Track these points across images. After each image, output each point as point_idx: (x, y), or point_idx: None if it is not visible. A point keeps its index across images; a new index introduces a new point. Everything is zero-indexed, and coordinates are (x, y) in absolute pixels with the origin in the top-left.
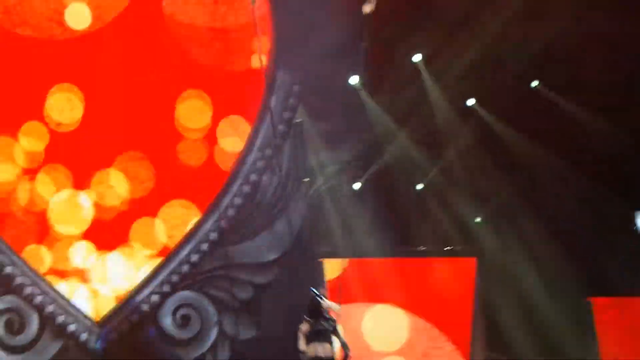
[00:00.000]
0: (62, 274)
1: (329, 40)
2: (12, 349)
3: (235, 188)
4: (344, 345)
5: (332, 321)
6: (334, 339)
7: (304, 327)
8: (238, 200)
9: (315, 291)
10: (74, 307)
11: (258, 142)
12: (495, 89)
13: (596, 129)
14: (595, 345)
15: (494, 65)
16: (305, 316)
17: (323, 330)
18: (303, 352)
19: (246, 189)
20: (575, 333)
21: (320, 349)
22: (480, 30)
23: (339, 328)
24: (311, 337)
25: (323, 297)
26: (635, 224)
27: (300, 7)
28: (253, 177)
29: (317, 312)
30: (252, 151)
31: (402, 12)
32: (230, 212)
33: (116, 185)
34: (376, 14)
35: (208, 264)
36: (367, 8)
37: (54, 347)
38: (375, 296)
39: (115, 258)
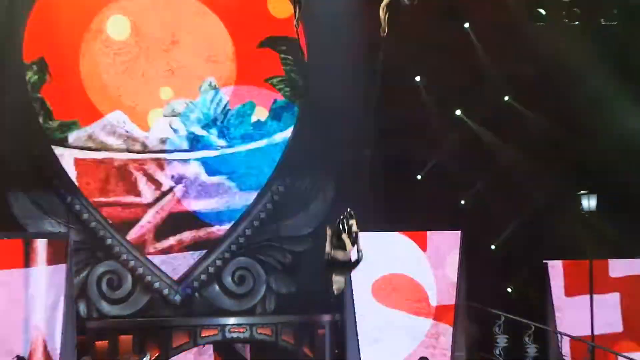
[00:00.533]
0: None
1: (351, 62)
2: (112, 301)
3: (277, 181)
4: (358, 252)
5: (353, 234)
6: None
7: (329, 232)
8: (282, 188)
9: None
10: (158, 269)
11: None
12: (476, 102)
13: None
14: (549, 306)
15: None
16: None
17: (343, 239)
18: (327, 254)
19: (288, 180)
20: (532, 291)
21: (340, 254)
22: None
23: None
24: (334, 243)
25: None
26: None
27: (330, 39)
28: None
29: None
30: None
31: (409, 43)
32: (276, 197)
33: None
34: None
35: (259, 237)
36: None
37: (144, 299)
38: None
39: None
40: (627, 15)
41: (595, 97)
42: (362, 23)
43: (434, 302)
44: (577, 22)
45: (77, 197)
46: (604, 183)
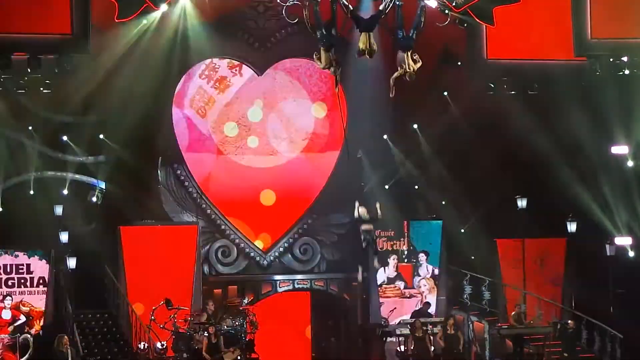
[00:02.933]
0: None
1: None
2: (224, 264)
3: (327, 189)
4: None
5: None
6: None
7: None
8: (330, 195)
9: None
10: (253, 244)
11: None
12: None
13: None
14: (497, 268)
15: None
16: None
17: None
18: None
19: (334, 189)
20: (486, 260)
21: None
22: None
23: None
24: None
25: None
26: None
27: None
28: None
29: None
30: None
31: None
32: (326, 200)
33: None
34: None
35: (317, 224)
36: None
37: (244, 263)
38: None
39: None
40: (544, 86)
41: (524, 140)
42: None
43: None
44: (513, 92)
45: (204, 198)
46: (531, 190)
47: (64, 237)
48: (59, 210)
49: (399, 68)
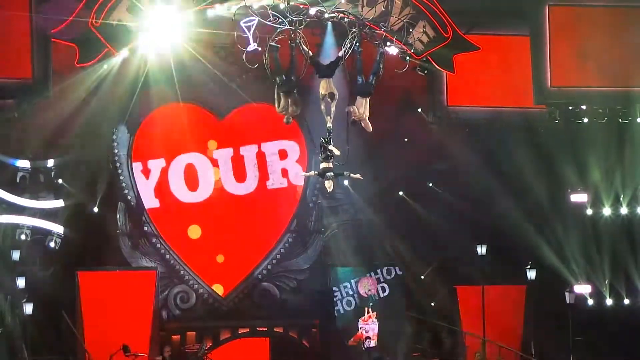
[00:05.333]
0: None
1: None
2: (182, 310)
3: (287, 235)
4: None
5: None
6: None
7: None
8: (290, 240)
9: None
10: (212, 289)
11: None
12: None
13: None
14: (458, 317)
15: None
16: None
17: (328, 155)
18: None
19: (294, 234)
20: (446, 308)
21: (324, 164)
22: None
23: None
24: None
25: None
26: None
27: None
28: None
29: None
30: (295, 219)
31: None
32: (286, 245)
33: None
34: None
35: (275, 270)
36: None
37: (204, 309)
38: None
39: None
40: (503, 133)
41: (484, 186)
42: None
43: None
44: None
45: (162, 243)
46: (491, 238)
47: (20, 282)
48: (16, 255)
49: (354, 114)
